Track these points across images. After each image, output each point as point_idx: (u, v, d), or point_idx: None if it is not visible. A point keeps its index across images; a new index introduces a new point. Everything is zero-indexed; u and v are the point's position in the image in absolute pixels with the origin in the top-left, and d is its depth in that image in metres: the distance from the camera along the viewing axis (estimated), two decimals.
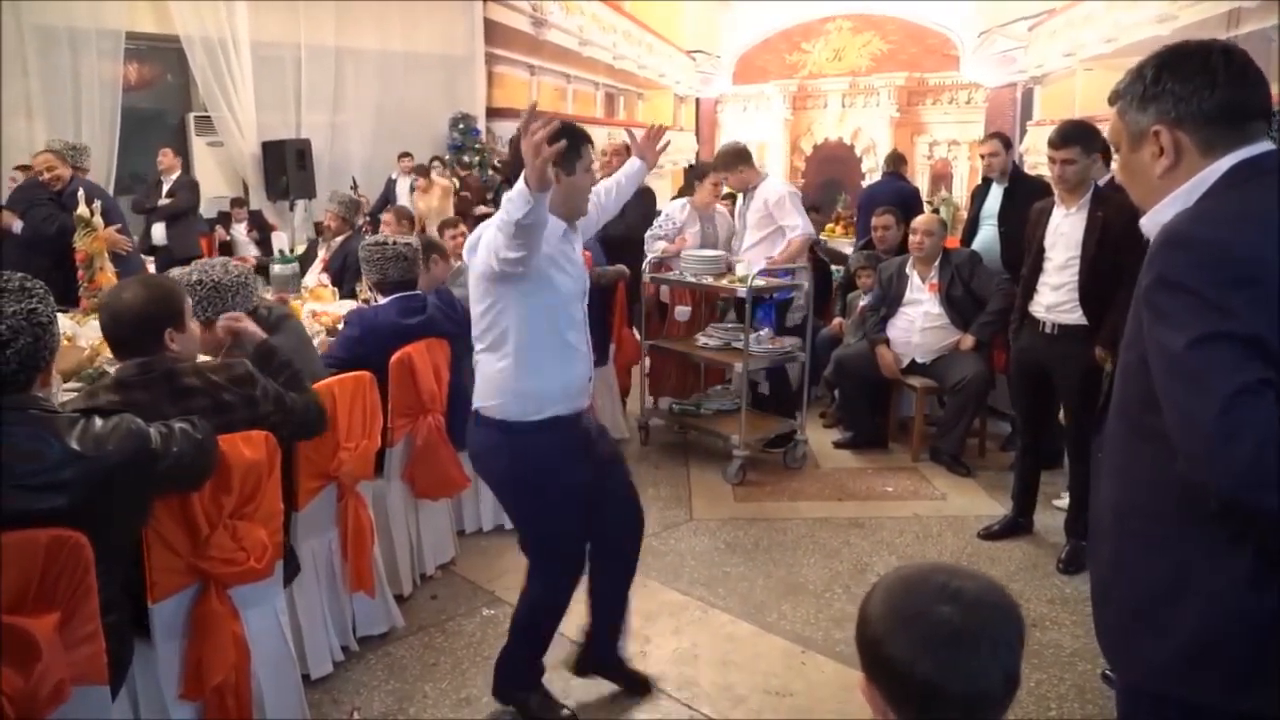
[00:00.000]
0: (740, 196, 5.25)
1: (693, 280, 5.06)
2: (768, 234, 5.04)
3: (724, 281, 4.90)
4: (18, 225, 5.06)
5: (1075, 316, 3.61)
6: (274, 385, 2.47)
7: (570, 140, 2.35)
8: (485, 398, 2.56)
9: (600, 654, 2.90)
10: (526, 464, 2.54)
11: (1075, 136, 3.51)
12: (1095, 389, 3.54)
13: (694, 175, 6.32)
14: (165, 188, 7.38)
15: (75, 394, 2.95)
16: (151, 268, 6.91)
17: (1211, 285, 1.21)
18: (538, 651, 2.79)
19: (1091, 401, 3.41)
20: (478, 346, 2.58)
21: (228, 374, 2.35)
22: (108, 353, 3.40)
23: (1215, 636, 1.30)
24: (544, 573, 2.69)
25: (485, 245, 2.39)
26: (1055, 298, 3.67)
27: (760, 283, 4.70)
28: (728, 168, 5.11)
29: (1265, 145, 1.35)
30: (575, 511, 2.62)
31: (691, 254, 5.12)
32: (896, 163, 7.05)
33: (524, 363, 2.47)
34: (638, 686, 2.93)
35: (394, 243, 3.56)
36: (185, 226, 7.32)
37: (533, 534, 2.68)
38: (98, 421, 1.90)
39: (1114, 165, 4.04)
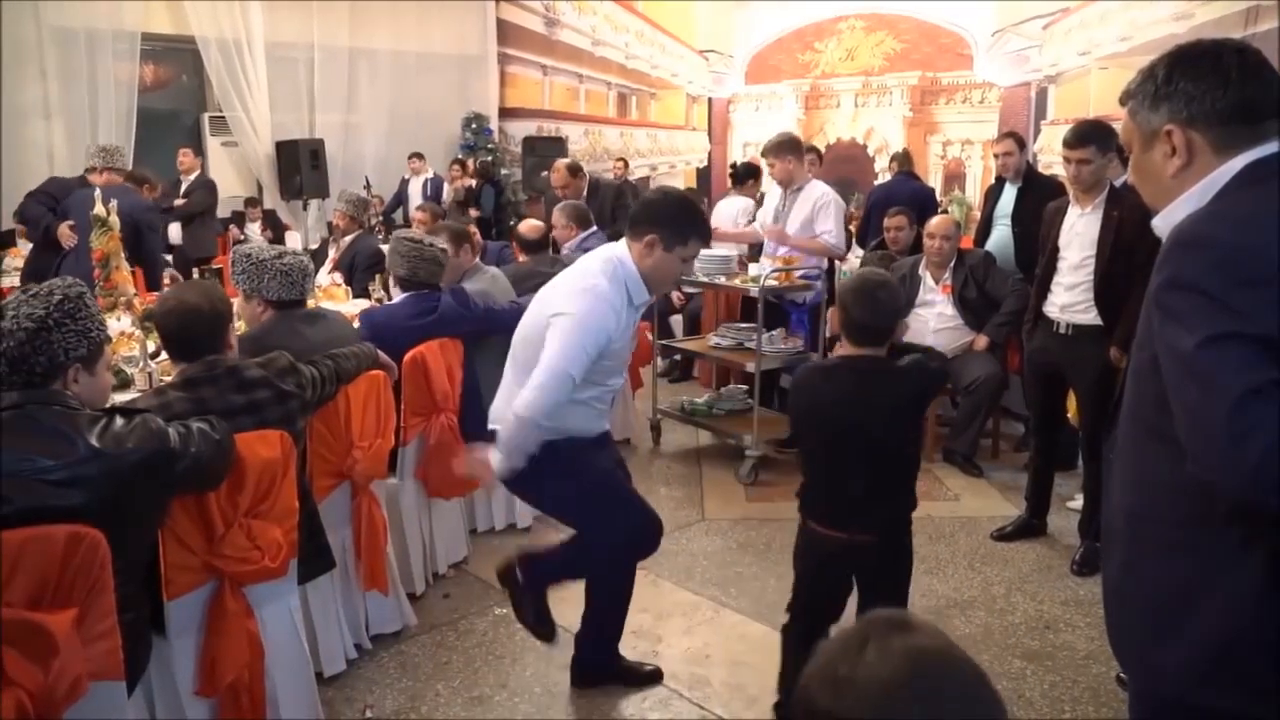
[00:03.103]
0: (780, 194, 5.14)
1: (705, 280, 5.06)
2: (810, 237, 4.97)
3: (736, 281, 4.89)
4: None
5: (1090, 317, 3.59)
6: (313, 370, 2.62)
7: (684, 225, 2.51)
8: (504, 423, 2.60)
9: (604, 661, 2.92)
10: (548, 462, 2.57)
11: (1091, 136, 3.49)
12: (1110, 389, 3.49)
13: (748, 173, 6.40)
14: (183, 187, 7.44)
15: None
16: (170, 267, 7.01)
17: (1223, 286, 1.20)
18: (618, 629, 2.87)
19: (1106, 402, 3.39)
20: (515, 368, 2.61)
21: (274, 367, 2.49)
22: (124, 350, 3.44)
23: (1232, 641, 1.29)
24: (611, 539, 2.68)
25: (563, 318, 2.41)
26: (1070, 298, 3.65)
27: (773, 282, 4.69)
28: (778, 154, 4.94)
29: (1279, 145, 1.34)
30: (611, 478, 2.68)
31: (703, 253, 5.10)
32: (907, 161, 7.01)
33: (558, 411, 2.52)
34: (650, 680, 2.96)
35: (430, 244, 3.59)
36: (201, 227, 7.37)
37: (583, 516, 2.70)
38: (119, 420, 1.93)
39: None
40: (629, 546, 2.75)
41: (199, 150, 8.53)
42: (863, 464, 2.36)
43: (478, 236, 4.96)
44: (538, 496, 2.87)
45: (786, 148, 4.93)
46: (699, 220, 2.58)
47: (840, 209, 4.98)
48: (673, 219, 2.52)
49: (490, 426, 2.67)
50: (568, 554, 2.77)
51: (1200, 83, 1.35)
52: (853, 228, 6.53)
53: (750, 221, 6.04)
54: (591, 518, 2.68)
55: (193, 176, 7.46)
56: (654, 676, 2.96)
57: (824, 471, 2.47)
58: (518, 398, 2.43)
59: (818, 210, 4.89)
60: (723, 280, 4.95)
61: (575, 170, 6.23)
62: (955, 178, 8.36)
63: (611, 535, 2.68)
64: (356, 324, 3.57)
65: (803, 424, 2.53)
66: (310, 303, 3.13)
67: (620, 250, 2.56)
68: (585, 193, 6.05)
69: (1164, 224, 1.39)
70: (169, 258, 7.13)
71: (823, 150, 8.77)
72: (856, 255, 6.42)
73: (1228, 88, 1.34)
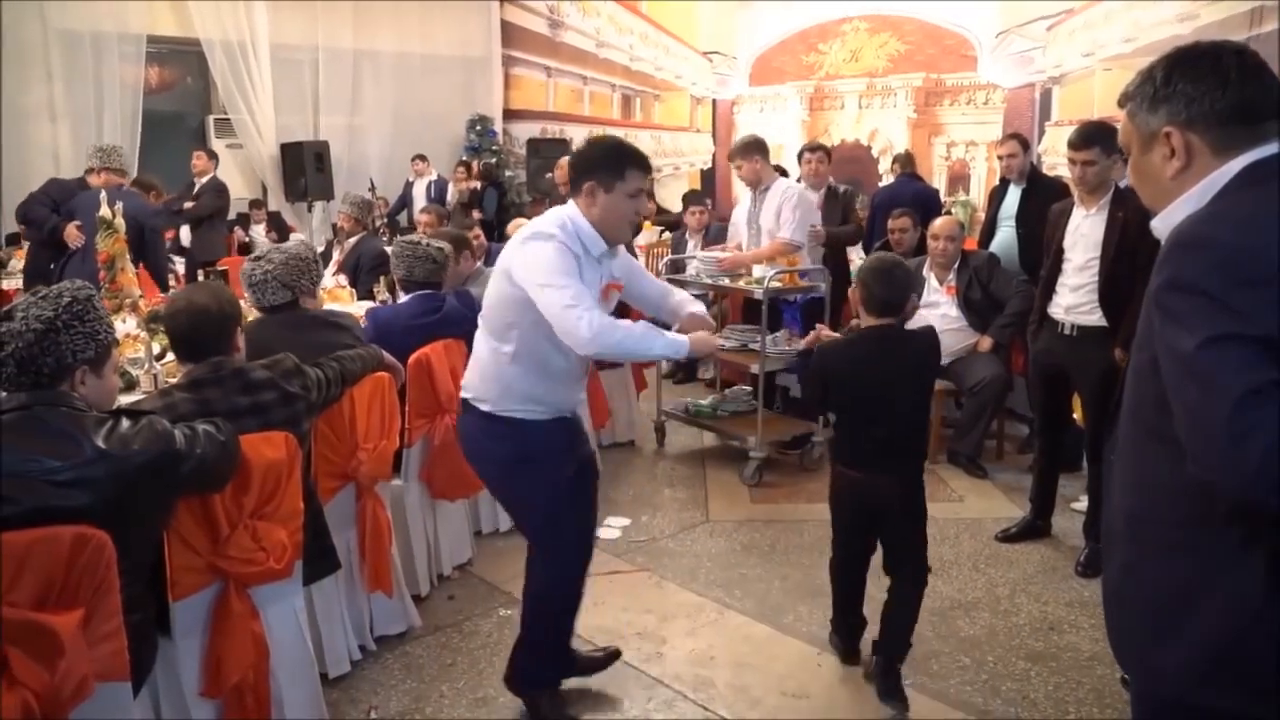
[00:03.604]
0: (750, 196, 5.19)
1: (709, 282, 5.06)
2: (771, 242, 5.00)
3: (740, 283, 4.89)
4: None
5: (1094, 318, 3.59)
6: (318, 372, 2.62)
7: (615, 159, 2.48)
8: (473, 389, 2.61)
9: (559, 666, 2.88)
10: (512, 448, 2.57)
11: (1096, 137, 3.49)
12: (1114, 390, 3.51)
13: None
14: (195, 190, 7.45)
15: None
16: (180, 268, 7.05)
17: (1223, 286, 1.20)
18: (555, 645, 2.79)
19: (1111, 403, 3.39)
20: (485, 333, 2.60)
21: (280, 369, 2.49)
22: (129, 352, 3.44)
23: (1234, 641, 1.29)
24: (549, 558, 2.69)
25: (531, 273, 2.37)
26: (1074, 299, 3.65)
27: (776, 284, 4.69)
28: (744, 155, 4.99)
29: (1278, 146, 1.34)
30: (568, 493, 2.63)
31: (707, 255, 5.11)
32: (909, 163, 6.99)
33: (525, 376, 2.53)
34: (609, 660, 2.97)
35: (426, 244, 3.62)
36: (210, 230, 7.35)
37: (530, 521, 2.70)
38: (124, 422, 1.94)
39: None
40: (566, 564, 2.72)
41: (210, 153, 8.54)
42: (883, 414, 2.78)
43: (482, 239, 4.97)
44: (494, 483, 2.82)
45: (752, 148, 4.99)
46: (631, 153, 2.53)
47: (805, 205, 4.98)
48: (603, 159, 2.50)
49: (462, 395, 2.66)
50: (526, 625, 2.76)
51: (1199, 84, 1.35)
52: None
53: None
54: (533, 522, 2.67)
55: (205, 179, 7.46)
56: (613, 656, 2.98)
57: (850, 422, 2.90)
58: (570, 333, 2.31)
59: (782, 205, 4.92)
60: (726, 282, 4.96)
61: None
62: (959, 179, 8.34)
63: (561, 550, 2.67)
64: (363, 324, 3.59)
65: (832, 383, 2.88)
66: (310, 304, 3.08)
67: (569, 209, 2.53)
68: None
69: (1163, 225, 1.40)
70: (180, 260, 7.17)
71: None
72: (861, 257, 6.41)
73: (1226, 89, 1.34)
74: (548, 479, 2.60)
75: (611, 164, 2.48)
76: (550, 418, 2.59)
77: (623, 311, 2.72)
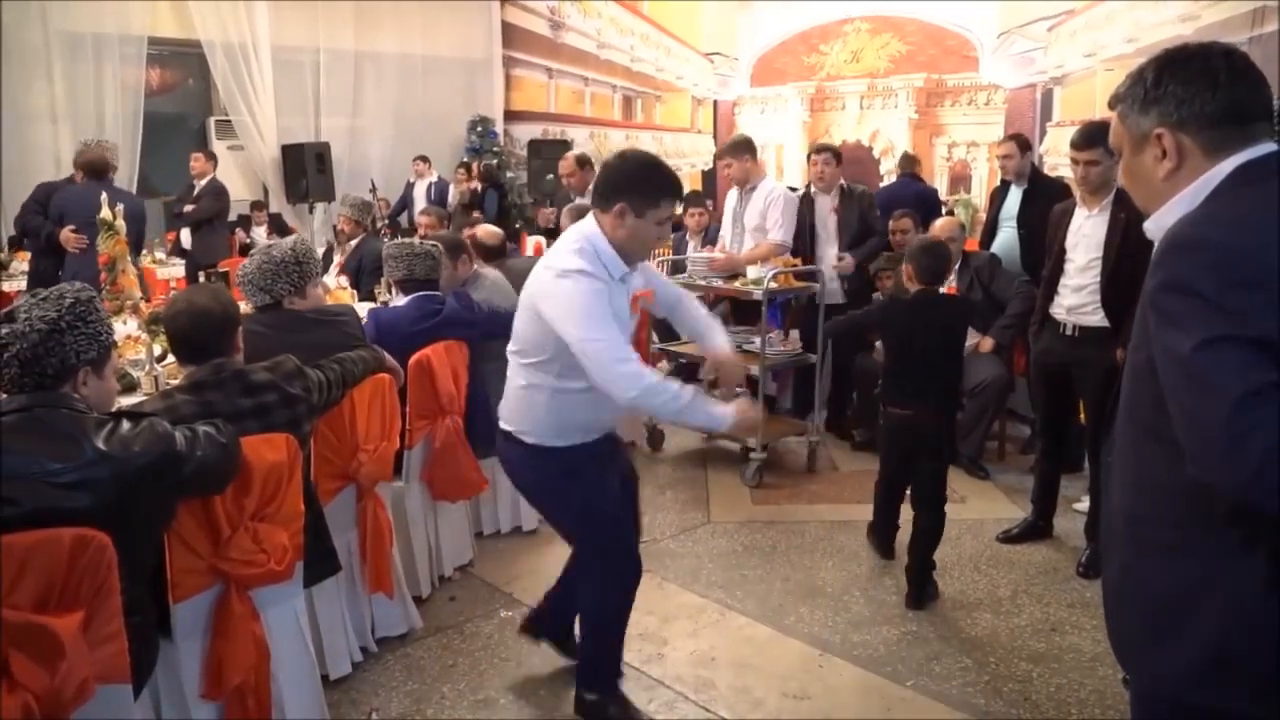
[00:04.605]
0: (736, 195, 5.21)
1: (703, 283, 5.06)
2: (760, 242, 5.03)
3: (737, 284, 4.89)
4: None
5: (1096, 318, 3.59)
6: (320, 374, 2.62)
7: (653, 186, 2.37)
8: (515, 422, 2.57)
9: (556, 628, 2.95)
10: (556, 473, 2.56)
11: (1099, 138, 3.48)
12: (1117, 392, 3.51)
13: None
14: (195, 193, 7.44)
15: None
16: (181, 270, 7.04)
17: (1218, 288, 1.20)
18: (612, 654, 2.77)
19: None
20: (524, 368, 2.52)
21: (281, 371, 2.49)
22: (130, 354, 3.44)
23: (1233, 641, 1.29)
24: (600, 574, 2.66)
25: (567, 324, 2.30)
26: (1076, 299, 3.65)
27: (774, 285, 4.69)
28: (733, 154, 5.04)
29: (1270, 146, 1.34)
30: (614, 510, 2.63)
31: (700, 256, 5.12)
32: (911, 164, 6.99)
33: (562, 402, 2.47)
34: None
35: (419, 243, 3.65)
36: (211, 232, 7.33)
37: (580, 537, 2.69)
38: (125, 424, 1.95)
39: None
40: (622, 572, 2.67)
41: (209, 155, 8.54)
42: (925, 360, 3.45)
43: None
44: (544, 506, 2.84)
45: (742, 148, 5.04)
46: (669, 181, 2.42)
47: (789, 203, 5.05)
48: (641, 182, 2.37)
49: (502, 427, 2.62)
50: (590, 634, 2.73)
51: (1189, 85, 1.36)
52: None
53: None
54: (588, 535, 2.65)
55: (204, 181, 7.44)
56: None
57: (899, 366, 3.56)
58: (614, 388, 2.28)
59: (769, 204, 4.96)
60: (720, 283, 4.95)
61: (583, 162, 6.24)
62: (961, 180, 8.35)
63: (607, 556, 2.65)
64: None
65: (887, 333, 3.66)
66: (298, 303, 3.02)
67: (588, 227, 2.41)
68: (591, 185, 6.06)
69: (1156, 227, 1.40)
70: (181, 262, 7.17)
71: None
72: None
73: (1217, 90, 1.34)
74: (597, 487, 2.58)
75: (649, 190, 2.36)
76: (598, 437, 2.58)
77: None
